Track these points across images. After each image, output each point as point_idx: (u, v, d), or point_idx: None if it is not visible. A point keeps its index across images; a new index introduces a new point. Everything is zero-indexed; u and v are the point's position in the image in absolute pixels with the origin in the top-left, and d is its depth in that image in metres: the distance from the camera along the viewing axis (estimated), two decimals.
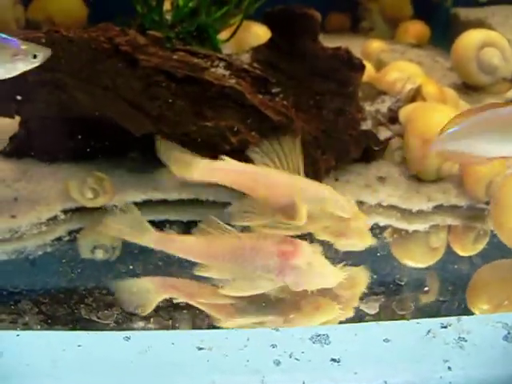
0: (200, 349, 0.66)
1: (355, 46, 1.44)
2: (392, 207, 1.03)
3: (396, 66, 1.23)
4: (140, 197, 1.01)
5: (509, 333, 0.70)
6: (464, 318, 0.71)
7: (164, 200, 1.02)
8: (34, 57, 0.79)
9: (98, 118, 0.98)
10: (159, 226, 0.98)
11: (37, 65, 0.79)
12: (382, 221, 1.01)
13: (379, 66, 1.30)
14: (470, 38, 1.27)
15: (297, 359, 0.65)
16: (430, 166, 1.04)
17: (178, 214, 1.01)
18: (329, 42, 1.51)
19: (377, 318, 0.77)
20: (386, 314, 0.79)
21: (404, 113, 1.07)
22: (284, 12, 0.96)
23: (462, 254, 0.99)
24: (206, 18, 1.00)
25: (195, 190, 1.03)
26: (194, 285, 0.81)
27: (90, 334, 0.68)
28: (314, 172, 1.00)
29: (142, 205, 1.02)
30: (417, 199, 1.03)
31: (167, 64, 0.90)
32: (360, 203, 1.02)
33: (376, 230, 0.99)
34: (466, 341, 0.69)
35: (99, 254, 0.95)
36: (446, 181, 1.07)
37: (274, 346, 0.66)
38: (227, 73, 0.94)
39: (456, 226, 1.04)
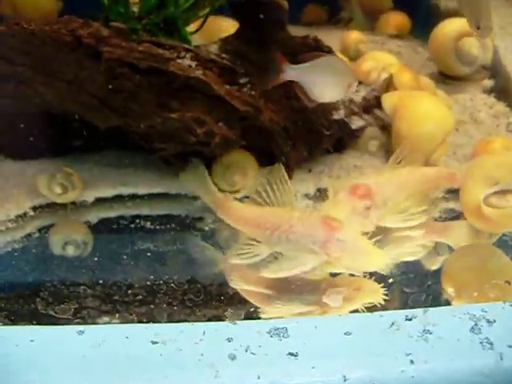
0: (154, 343, 0.64)
1: (334, 37, 1.43)
2: None
3: (371, 55, 1.21)
4: (110, 192, 1.00)
5: (476, 324, 0.68)
6: (430, 309, 0.69)
7: (134, 194, 1.01)
8: None
9: (66, 113, 0.97)
10: (130, 221, 0.98)
11: None
12: None
13: (357, 56, 1.28)
14: (448, 29, 1.25)
15: (253, 353, 0.63)
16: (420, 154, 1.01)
17: (149, 209, 1.00)
18: (307, 33, 1.49)
19: None
20: None
21: (389, 100, 1.04)
22: (251, 1, 0.94)
23: None
24: (175, 9, 0.98)
25: (166, 185, 1.01)
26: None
27: (44, 329, 0.67)
28: (285, 164, 0.98)
29: (112, 200, 1.01)
30: None
31: (131, 55, 0.88)
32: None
33: None
34: (430, 333, 0.66)
35: (70, 250, 0.94)
36: None
37: (230, 339, 0.65)
38: (194, 63, 0.92)
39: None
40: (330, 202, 0.85)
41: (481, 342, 0.66)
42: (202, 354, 0.63)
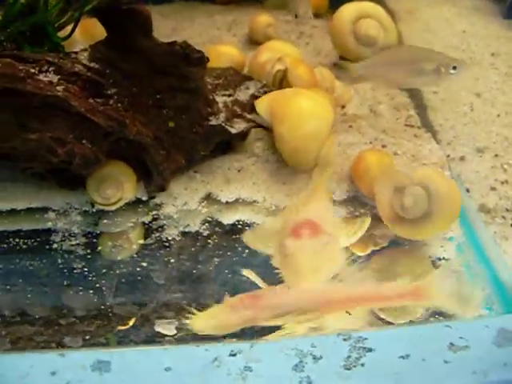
0: None
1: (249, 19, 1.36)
2: (253, 202, 0.98)
3: (269, 45, 1.15)
4: None
5: (301, 361, 0.64)
6: (258, 343, 0.65)
7: (13, 209, 0.98)
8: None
9: None
10: (9, 236, 0.95)
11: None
12: (245, 217, 0.96)
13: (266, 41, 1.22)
14: (345, 12, 1.19)
15: None
16: (308, 155, 0.98)
17: (29, 224, 0.96)
18: (220, 14, 1.42)
19: None
20: None
21: (262, 106, 0.99)
22: (112, 8, 0.90)
23: None
24: (44, 14, 0.94)
25: (45, 199, 0.99)
26: None
27: None
28: (159, 174, 0.96)
29: None
30: (279, 193, 0.99)
31: None
32: (218, 201, 0.98)
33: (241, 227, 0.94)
34: (251, 371, 0.63)
35: None
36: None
37: (53, 373, 0.64)
38: (56, 78, 0.89)
39: None
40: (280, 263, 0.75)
41: (300, 381, 0.63)
42: None
